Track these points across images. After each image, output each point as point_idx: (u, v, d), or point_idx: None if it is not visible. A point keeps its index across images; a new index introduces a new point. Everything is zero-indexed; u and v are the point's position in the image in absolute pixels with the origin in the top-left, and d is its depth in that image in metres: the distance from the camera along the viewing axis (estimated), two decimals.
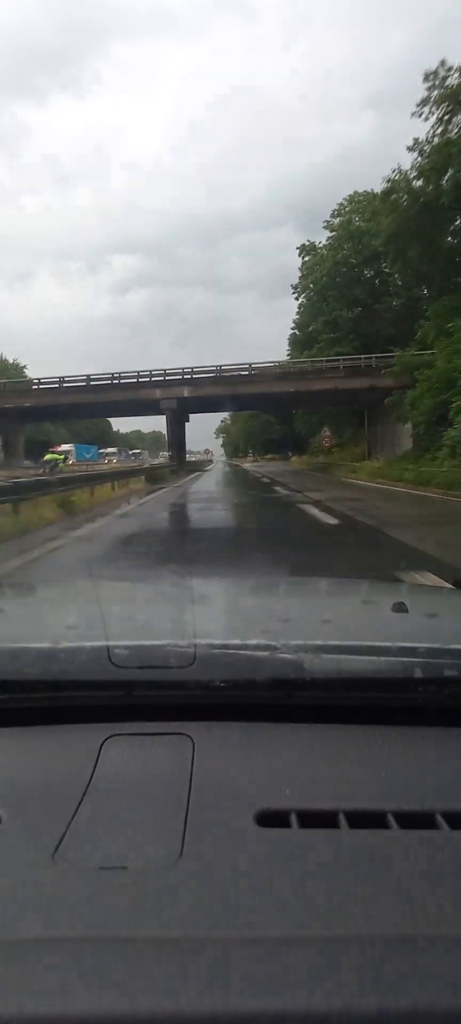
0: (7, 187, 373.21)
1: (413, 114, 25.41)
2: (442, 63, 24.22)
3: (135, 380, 40.88)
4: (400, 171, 26.99)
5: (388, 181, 27.68)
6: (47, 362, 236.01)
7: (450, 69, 24.00)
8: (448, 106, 24.19)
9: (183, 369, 40.72)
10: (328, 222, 44.71)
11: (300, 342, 47.65)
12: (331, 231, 44.29)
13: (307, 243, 47.69)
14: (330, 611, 1.47)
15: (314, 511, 12.47)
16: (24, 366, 68.39)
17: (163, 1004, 0.43)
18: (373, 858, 0.59)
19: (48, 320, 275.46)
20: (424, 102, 24.93)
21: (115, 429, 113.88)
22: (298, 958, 0.47)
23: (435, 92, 24.49)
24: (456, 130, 24.35)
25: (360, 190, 43.21)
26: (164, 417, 42.53)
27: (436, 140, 25.16)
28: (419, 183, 26.12)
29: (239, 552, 7.52)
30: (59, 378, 42.52)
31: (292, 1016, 0.43)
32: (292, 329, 51.96)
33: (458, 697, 0.81)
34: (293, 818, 0.64)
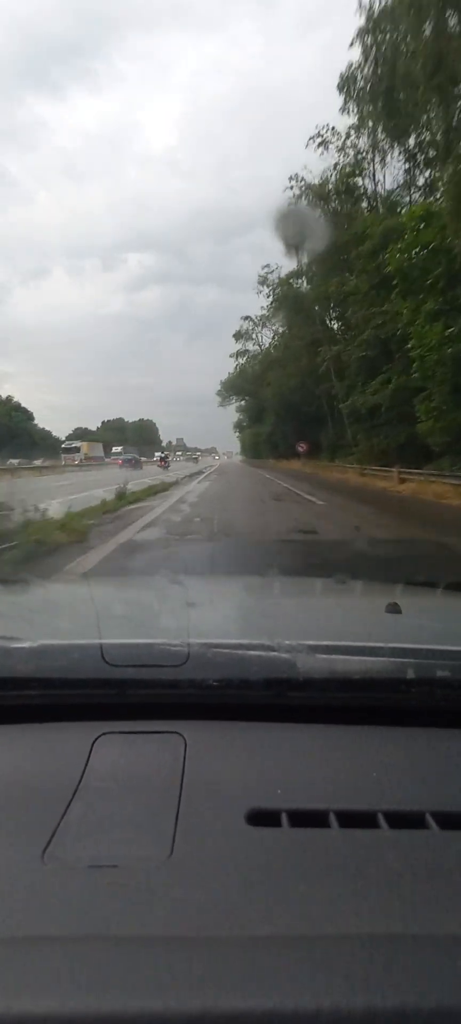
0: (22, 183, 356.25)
1: None
2: None
3: None
4: None
5: None
6: (59, 359, 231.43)
7: None
8: None
9: None
10: None
11: None
12: None
13: None
14: (323, 611, 1.49)
15: None
16: None
17: (154, 1002, 0.43)
18: (363, 858, 0.59)
19: (61, 317, 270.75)
20: None
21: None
22: (288, 957, 0.47)
23: None
24: None
25: None
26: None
27: None
28: None
29: None
30: None
31: (281, 1015, 0.43)
32: None
33: (450, 698, 0.82)
34: (284, 817, 0.65)
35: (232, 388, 63.97)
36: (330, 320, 32.24)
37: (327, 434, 34.92)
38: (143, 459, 55.25)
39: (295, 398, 37.30)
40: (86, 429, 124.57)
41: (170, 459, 52.40)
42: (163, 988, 0.44)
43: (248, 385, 57.91)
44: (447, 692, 0.81)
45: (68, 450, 66.31)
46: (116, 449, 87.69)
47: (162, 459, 45.39)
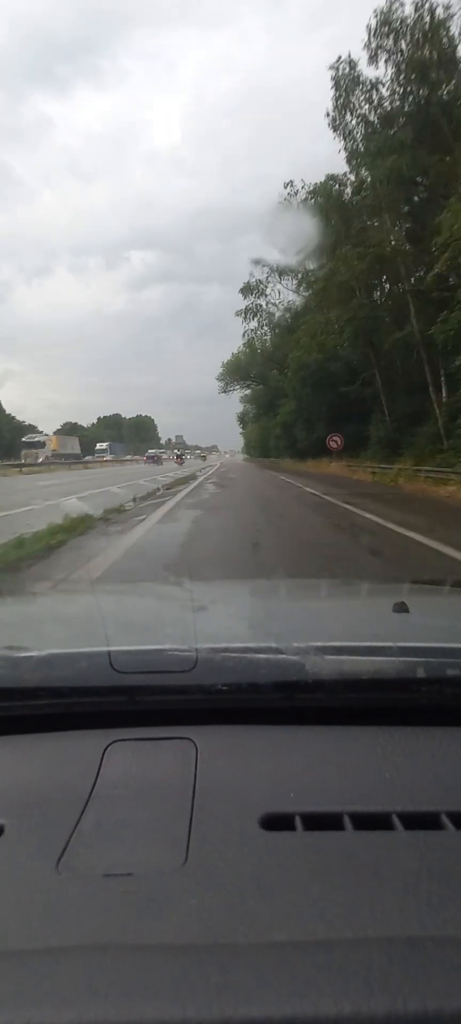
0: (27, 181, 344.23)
1: None
2: None
3: None
4: None
5: None
6: (61, 357, 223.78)
7: None
8: None
9: None
10: None
11: None
12: None
13: None
14: (331, 612, 1.47)
15: None
16: None
17: (170, 1011, 0.42)
18: (378, 860, 0.59)
19: (63, 315, 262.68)
20: None
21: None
22: (305, 962, 0.46)
23: None
24: None
25: None
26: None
27: None
28: None
29: None
30: None
31: (302, 1021, 0.42)
32: None
33: (459, 696, 0.82)
34: (298, 821, 0.64)
35: (236, 372, 51.22)
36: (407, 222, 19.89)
37: (380, 423, 22.57)
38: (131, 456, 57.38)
39: (330, 370, 25.15)
40: (76, 424, 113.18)
41: (186, 457, 57.16)
42: (180, 996, 0.43)
43: (256, 367, 45.52)
44: (457, 690, 0.81)
45: (30, 445, 55.16)
46: (100, 446, 75.93)
47: (178, 456, 52.03)
